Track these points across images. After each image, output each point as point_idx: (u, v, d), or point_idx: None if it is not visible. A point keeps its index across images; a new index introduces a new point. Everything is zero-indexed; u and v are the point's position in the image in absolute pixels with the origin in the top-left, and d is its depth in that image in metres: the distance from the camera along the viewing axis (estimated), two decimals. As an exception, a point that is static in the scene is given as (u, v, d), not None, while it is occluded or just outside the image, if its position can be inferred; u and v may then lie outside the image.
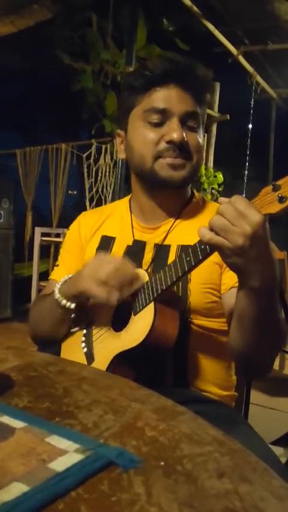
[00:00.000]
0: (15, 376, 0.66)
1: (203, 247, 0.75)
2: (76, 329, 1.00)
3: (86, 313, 0.97)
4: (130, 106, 0.99)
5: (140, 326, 0.84)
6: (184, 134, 0.93)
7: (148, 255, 0.99)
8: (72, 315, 0.96)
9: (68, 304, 0.93)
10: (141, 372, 0.88)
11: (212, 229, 0.70)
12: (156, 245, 1.00)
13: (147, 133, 0.95)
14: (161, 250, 0.99)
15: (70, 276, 0.96)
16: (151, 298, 0.84)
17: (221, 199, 0.71)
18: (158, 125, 0.94)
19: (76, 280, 0.90)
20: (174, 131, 0.92)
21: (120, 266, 0.85)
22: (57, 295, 0.94)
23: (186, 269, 0.78)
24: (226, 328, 0.94)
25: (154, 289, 0.84)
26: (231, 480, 0.42)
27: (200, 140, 0.98)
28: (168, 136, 0.93)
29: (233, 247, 0.68)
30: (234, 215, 0.67)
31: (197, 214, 1.03)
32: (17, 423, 0.49)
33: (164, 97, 0.94)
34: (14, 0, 3.63)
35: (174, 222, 1.02)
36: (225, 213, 0.68)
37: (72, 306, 0.93)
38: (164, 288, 0.82)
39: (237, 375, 1.04)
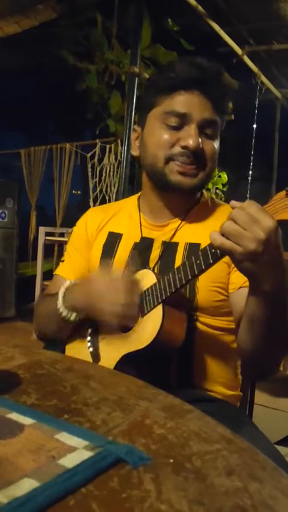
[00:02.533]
0: (23, 374, 0.66)
1: (213, 250, 0.74)
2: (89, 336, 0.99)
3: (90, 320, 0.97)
4: (151, 105, 0.98)
5: (148, 328, 0.84)
6: (200, 141, 0.93)
7: (155, 252, 0.99)
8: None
9: (69, 316, 0.91)
10: (146, 373, 0.88)
11: (223, 234, 0.69)
12: (164, 242, 1.00)
13: (163, 135, 0.95)
14: (169, 247, 0.99)
15: (74, 282, 0.94)
16: (159, 300, 0.84)
17: (233, 202, 0.70)
18: (176, 128, 0.94)
19: (85, 302, 0.88)
20: (190, 138, 0.92)
21: (128, 280, 0.85)
22: (60, 306, 0.92)
23: (196, 272, 0.77)
24: (233, 326, 0.94)
25: (163, 291, 0.83)
26: (240, 478, 0.42)
27: (216, 148, 0.98)
28: (184, 141, 0.92)
29: (245, 252, 0.67)
30: (246, 220, 0.67)
31: (206, 213, 1.03)
32: (26, 420, 0.49)
33: (186, 101, 0.93)
34: (18, 0, 3.63)
35: (182, 220, 1.02)
36: (237, 218, 0.67)
37: (72, 317, 0.92)
38: (173, 290, 0.81)
39: (242, 375, 1.04)
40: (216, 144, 0.98)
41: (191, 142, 0.92)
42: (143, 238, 1.02)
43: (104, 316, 0.85)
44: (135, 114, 3.06)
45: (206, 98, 0.94)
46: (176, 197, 1.00)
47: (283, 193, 0.69)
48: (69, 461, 0.42)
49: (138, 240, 1.03)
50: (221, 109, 0.97)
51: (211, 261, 0.75)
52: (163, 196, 1.01)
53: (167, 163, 0.95)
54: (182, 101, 0.93)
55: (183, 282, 0.80)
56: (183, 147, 0.93)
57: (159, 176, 0.97)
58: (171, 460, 0.44)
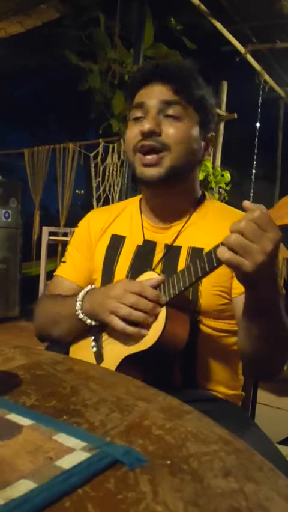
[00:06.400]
0: (23, 375, 0.66)
1: None
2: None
3: None
4: (129, 110, 1.03)
5: (151, 329, 0.84)
6: (157, 123, 0.94)
7: (158, 255, 0.99)
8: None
9: (89, 321, 0.92)
10: (149, 374, 0.88)
11: (230, 248, 0.68)
12: (166, 245, 0.99)
13: (130, 129, 0.99)
14: (172, 251, 0.98)
15: (91, 288, 0.95)
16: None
17: (246, 202, 0.69)
18: (139, 120, 0.97)
19: (101, 306, 0.88)
20: (145, 122, 0.95)
21: (143, 292, 0.84)
22: (80, 314, 0.92)
23: (200, 275, 0.78)
24: (236, 328, 0.94)
25: (166, 294, 0.84)
26: (236, 479, 0.42)
27: (184, 129, 0.95)
28: (141, 127, 0.95)
29: (253, 265, 0.67)
30: (256, 232, 0.66)
31: (209, 216, 1.02)
32: (25, 421, 0.50)
33: (144, 93, 0.98)
34: (21, 1, 3.64)
35: (185, 222, 1.01)
36: (246, 231, 0.66)
37: (93, 323, 0.92)
38: (177, 292, 0.82)
39: (245, 375, 1.04)
40: (184, 125, 0.95)
41: (145, 126, 0.94)
42: (145, 241, 1.02)
43: (107, 316, 0.86)
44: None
45: (163, 84, 0.97)
46: (153, 191, 1.00)
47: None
48: (67, 462, 0.42)
49: (141, 243, 1.02)
50: (182, 88, 0.95)
51: (215, 264, 0.75)
52: (150, 195, 1.03)
53: (135, 155, 0.97)
54: (142, 94, 0.99)
55: (187, 285, 0.80)
56: (142, 134, 0.94)
57: (133, 171, 1.00)
58: (168, 461, 0.44)
